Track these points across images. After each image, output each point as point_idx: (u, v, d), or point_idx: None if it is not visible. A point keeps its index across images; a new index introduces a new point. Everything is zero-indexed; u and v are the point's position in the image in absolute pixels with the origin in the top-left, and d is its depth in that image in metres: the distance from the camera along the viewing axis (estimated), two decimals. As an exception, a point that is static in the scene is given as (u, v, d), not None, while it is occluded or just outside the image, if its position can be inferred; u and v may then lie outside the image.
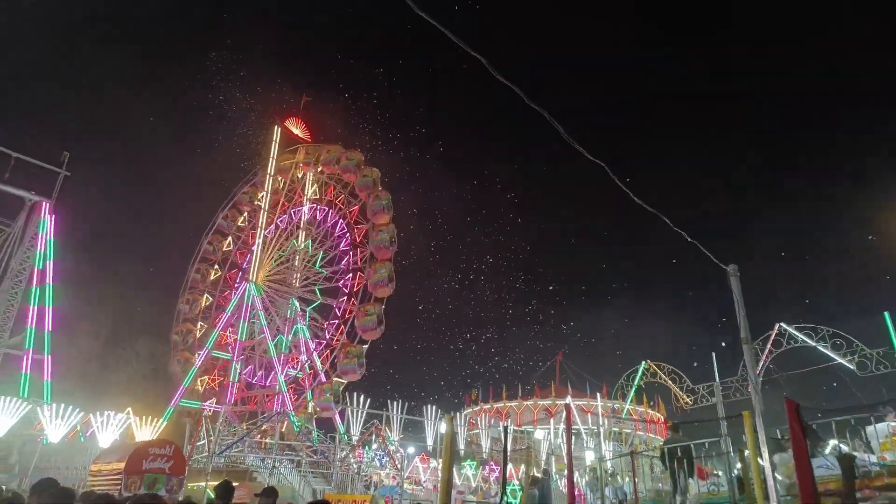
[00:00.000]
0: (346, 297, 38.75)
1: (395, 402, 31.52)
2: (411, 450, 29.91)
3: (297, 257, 40.42)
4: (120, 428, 24.32)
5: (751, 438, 7.27)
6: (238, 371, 35.81)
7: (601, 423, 31.91)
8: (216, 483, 7.09)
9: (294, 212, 42.70)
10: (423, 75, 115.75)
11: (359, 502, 15.15)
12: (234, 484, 8.75)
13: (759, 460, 7.25)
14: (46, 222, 28.45)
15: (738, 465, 11.24)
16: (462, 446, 32.85)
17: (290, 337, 37.72)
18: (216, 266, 44.12)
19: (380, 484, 25.37)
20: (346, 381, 34.12)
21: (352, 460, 25.82)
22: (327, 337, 38.84)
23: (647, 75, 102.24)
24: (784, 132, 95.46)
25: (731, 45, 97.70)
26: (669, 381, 29.19)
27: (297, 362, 37.91)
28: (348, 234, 40.17)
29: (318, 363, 36.82)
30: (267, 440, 26.42)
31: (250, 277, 37.98)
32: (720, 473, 13.62)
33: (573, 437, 11.59)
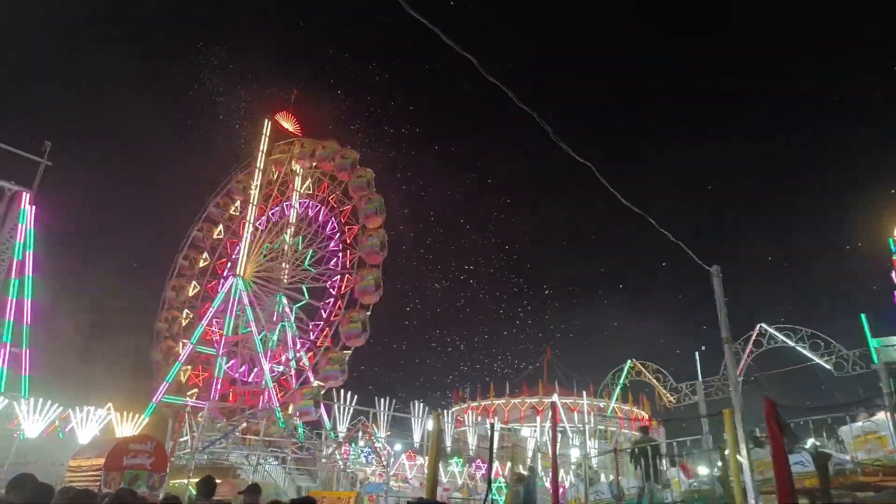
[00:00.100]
0: (332, 300, 38.19)
1: (382, 399, 31.51)
2: (398, 447, 29.92)
3: (286, 253, 40.01)
4: (100, 424, 23.95)
5: (730, 436, 7.41)
6: (223, 366, 35.43)
7: (587, 420, 32.24)
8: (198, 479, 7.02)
9: (287, 205, 42.19)
10: (419, 74, 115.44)
11: (344, 499, 15.14)
12: (218, 481, 8.67)
13: (738, 457, 7.40)
14: (27, 212, 27.93)
15: (719, 463, 11.48)
16: (449, 443, 32.93)
17: (276, 333, 37.39)
18: (205, 254, 43.46)
19: (366, 481, 25.34)
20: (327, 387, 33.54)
21: (338, 457, 25.74)
22: (311, 338, 38.23)
23: (646, 75, 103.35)
24: (772, 136, 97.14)
25: (730, 45, 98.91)
26: (654, 380, 29.57)
27: (283, 358, 37.57)
28: (339, 234, 39.66)
29: (306, 359, 36.53)
30: (251, 437, 26.21)
31: (238, 272, 37.54)
32: (701, 472, 13.87)
33: (559, 434, 11.73)
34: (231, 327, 35.82)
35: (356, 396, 31.29)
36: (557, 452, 10.38)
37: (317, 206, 41.56)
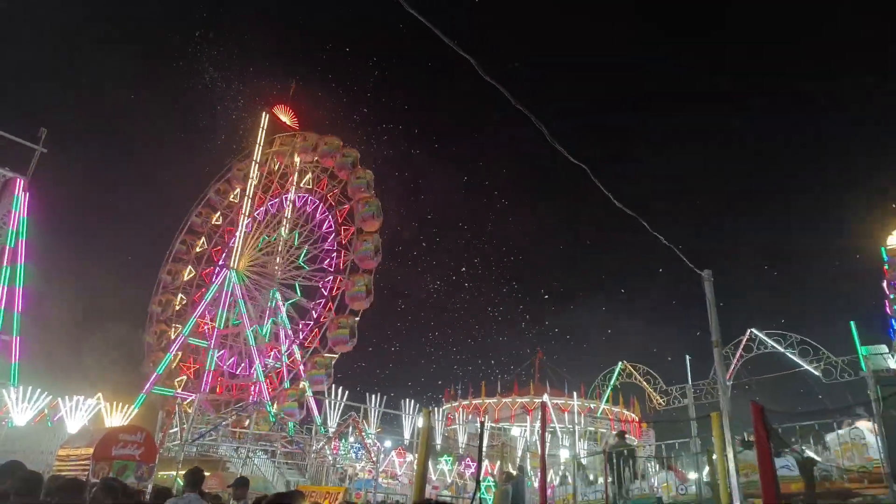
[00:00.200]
0: (323, 301, 37.60)
1: (373, 395, 31.52)
2: (388, 443, 29.96)
3: (282, 247, 39.77)
4: (89, 413, 23.82)
5: (718, 439, 7.48)
6: (214, 359, 35.29)
7: (577, 421, 32.39)
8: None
9: (285, 198, 41.91)
10: (418, 73, 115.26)
11: (332, 494, 15.14)
12: (206, 474, 8.66)
13: (725, 460, 7.47)
14: (20, 199, 27.65)
15: (707, 468, 11.58)
16: (439, 441, 33.00)
17: (268, 326, 37.22)
18: (202, 239, 43.17)
19: (355, 477, 25.36)
20: (308, 393, 33.19)
21: (327, 452, 25.74)
22: (300, 338, 37.69)
23: (643, 76, 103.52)
24: (769, 137, 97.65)
25: (726, 46, 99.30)
26: (644, 382, 29.71)
27: (272, 354, 37.35)
28: (335, 234, 39.07)
29: (298, 355, 36.36)
30: (241, 429, 26.16)
31: (231, 264, 37.33)
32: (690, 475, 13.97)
33: (549, 435, 11.80)
34: (223, 320, 35.65)
35: (347, 392, 31.30)
36: (547, 453, 10.44)
37: (315, 202, 41.30)
